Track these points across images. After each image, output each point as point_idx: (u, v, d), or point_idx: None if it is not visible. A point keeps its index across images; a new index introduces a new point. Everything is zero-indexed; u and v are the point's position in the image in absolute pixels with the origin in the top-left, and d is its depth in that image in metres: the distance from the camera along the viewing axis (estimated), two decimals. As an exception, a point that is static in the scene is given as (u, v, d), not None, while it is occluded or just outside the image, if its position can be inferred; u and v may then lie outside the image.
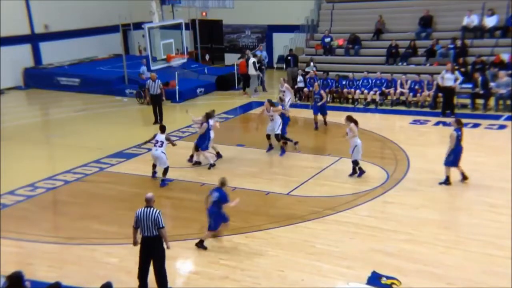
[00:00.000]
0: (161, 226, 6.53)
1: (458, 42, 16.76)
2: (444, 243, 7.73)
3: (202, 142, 11.35)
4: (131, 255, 7.80)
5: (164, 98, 15.49)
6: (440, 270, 7.05)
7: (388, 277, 6.89)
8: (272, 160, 11.83)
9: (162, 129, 10.71)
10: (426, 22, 18.08)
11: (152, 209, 6.58)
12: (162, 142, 10.42)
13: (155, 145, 10.50)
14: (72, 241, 8.36)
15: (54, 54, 21.85)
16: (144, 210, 6.57)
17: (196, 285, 7.04)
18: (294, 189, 10.03)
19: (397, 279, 6.84)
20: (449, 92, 14.51)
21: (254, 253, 7.73)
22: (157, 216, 6.50)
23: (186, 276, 7.47)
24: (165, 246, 6.63)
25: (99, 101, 18.34)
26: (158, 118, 15.00)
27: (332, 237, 8.14)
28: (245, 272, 7.20)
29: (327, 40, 19.12)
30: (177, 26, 19.04)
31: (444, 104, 14.68)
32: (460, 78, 14.63)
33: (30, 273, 6.80)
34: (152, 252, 6.62)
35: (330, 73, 17.32)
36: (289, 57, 18.90)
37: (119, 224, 8.86)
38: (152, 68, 17.64)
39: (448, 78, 14.44)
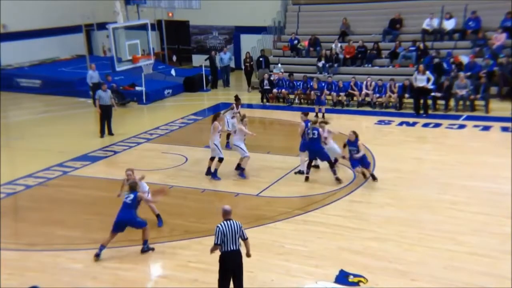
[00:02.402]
0: (245, 237, 6.25)
1: (420, 45, 17.31)
2: (408, 240, 7.95)
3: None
4: (96, 260, 7.63)
5: (115, 108, 14.01)
6: (404, 267, 7.24)
7: (355, 275, 7.02)
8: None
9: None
10: (395, 25, 18.54)
11: (235, 221, 6.21)
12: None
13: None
14: (34, 247, 8.08)
15: (13, 54, 21.06)
16: (227, 224, 6.15)
17: (165, 289, 6.95)
18: (263, 190, 10.07)
19: (363, 277, 6.98)
20: (422, 93, 14.97)
21: (223, 255, 7.70)
22: (241, 228, 6.18)
23: (155, 280, 7.36)
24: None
25: (61, 103, 17.83)
26: (107, 130, 13.79)
27: (301, 237, 8.22)
28: (215, 274, 7.15)
29: (295, 42, 19.33)
30: (142, 27, 18.74)
31: (417, 105, 15.11)
32: (432, 78, 15.11)
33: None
34: (234, 266, 6.18)
35: (296, 74, 17.54)
36: (260, 58, 19.01)
37: (84, 229, 8.64)
38: (117, 69, 17.29)
39: (420, 79, 14.92)
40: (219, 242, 6.10)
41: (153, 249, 7.81)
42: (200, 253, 7.74)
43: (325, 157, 10.31)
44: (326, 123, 10.80)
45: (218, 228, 6.14)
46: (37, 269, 7.45)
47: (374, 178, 10.20)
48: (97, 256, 7.60)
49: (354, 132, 10.21)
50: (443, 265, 7.25)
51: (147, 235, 7.76)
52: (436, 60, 16.28)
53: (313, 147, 10.26)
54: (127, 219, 7.63)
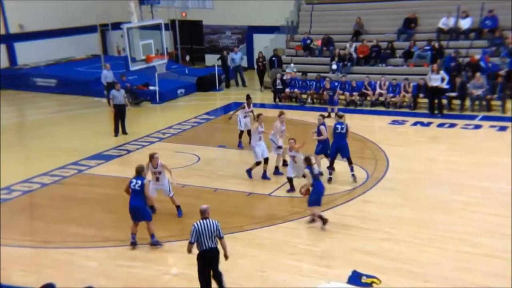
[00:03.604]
0: (221, 236, 6.33)
1: (435, 44, 17.11)
2: (421, 241, 7.88)
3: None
4: (110, 258, 7.73)
5: (129, 107, 14.06)
6: (418, 268, 7.18)
7: (368, 276, 6.99)
8: (253, 160, 11.84)
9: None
10: (410, 24, 18.34)
11: (211, 220, 6.31)
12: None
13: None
14: (49, 245, 8.21)
15: (30, 54, 21.40)
16: (203, 222, 6.26)
17: (177, 287, 6.98)
18: (275, 190, 10.06)
19: (377, 278, 6.94)
20: (436, 92, 14.81)
21: (236, 254, 7.70)
22: (218, 227, 6.28)
23: (166, 279, 7.42)
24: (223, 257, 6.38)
25: (77, 102, 18.06)
26: (121, 129, 13.92)
27: (313, 237, 8.20)
28: (226, 273, 7.17)
29: (308, 41, 19.28)
30: (156, 27, 18.89)
31: (431, 105, 14.95)
32: (447, 78, 14.93)
33: (5, 277, 6.66)
34: (211, 263, 6.36)
35: (309, 74, 17.49)
36: (273, 58, 19.00)
37: (98, 227, 8.74)
38: (132, 68, 17.45)
39: (435, 79, 14.74)
40: (193, 241, 6.23)
41: (161, 244, 7.87)
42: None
43: (347, 153, 10.21)
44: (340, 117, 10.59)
45: (193, 227, 6.26)
46: (52, 266, 7.56)
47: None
48: (133, 245, 7.78)
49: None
50: (456, 267, 7.18)
51: (152, 229, 7.83)
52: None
53: (340, 142, 10.12)
54: (136, 206, 7.70)
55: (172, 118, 15.60)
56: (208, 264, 6.36)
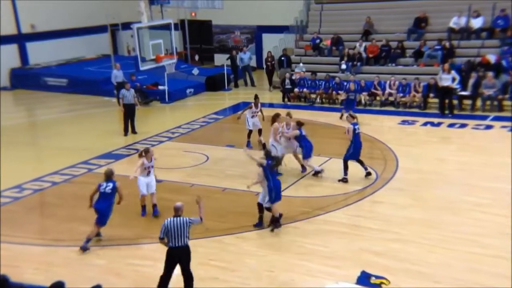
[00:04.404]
0: (195, 222, 6.47)
1: (446, 44, 16.96)
2: (431, 242, 7.83)
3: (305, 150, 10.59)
4: (120, 256, 7.79)
5: (138, 107, 14.18)
6: (427, 269, 7.13)
7: (377, 277, 6.96)
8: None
9: None
10: (420, 23, 18.20)
11: (181, 218, 6.43)
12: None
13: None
14: (60, 243, 8.29)
15: (41, 54, 21.59)
16: (173, 220, 6.40)
17: (186, 286, 7.02)
18: (283, 190, 10.00)
19: (386, 278, 6.91)
20: (447, 92, 14.67)
21: (244, 254, 7.75)
22: (187, 224, 6.39)
23: (175, 278, 7.44)
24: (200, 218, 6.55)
25: (87, 102, 18.20)
26: (130, 129, 14.04)
27: (322, 237, 8.18)
28: (235, 272, 7.21)
29: (317, 41, 19.23)
30: (166, 26, 18.95)
31: (442, 105, 14.81)
32: (458, 78, 14.79)
33: (17, 275, 6.74)
34: (179, 261, 6.48)
35: (319, 74, 17.44)
36: (282, 58, 18.98)
37: (108, 225, 8.78)
38: (141, 68, 17.53)
39: (445, 78, 14.62)
40: (162, 236, 6.44)
41: (88, 248, 7.86)
42: (221, 251, 7.81)
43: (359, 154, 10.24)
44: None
45: (163, 223, 6.42)
46: (62, 265, 7.64)
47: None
48: (83, 249, 7.84)
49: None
50: (465, 268, 7.13)
51: (93, 233, 7.98)
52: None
53: (360, 144, 10.17)
54: (101, 209, 7.93)
55: (181, 118, 15.66)
56: (174, 262, 6.45)
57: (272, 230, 8.32)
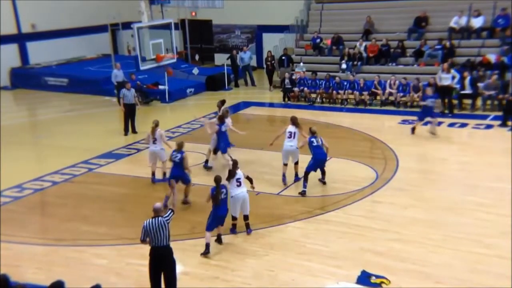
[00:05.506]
0: (170, 215, 6.47)
1: (447, 43, 16.95)
2: (432, 242, 7.81)
3: (222, 145, 10.79)
4: (120, 256, 7.78)
5: (139, 107, 14.10)
6: (429, 269, 7.12)
7: (377, 276, 6.95)
8: (262, 160, 11.83)
9: None
10: (420, 23, 18.17)
11: (160, 219, 6.36)
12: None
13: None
14: (60, 243, 8.28)
15: (42, 53, 21.58)
16: (152, 221, 6.33)
17: (187, 285, 7.01)
18: (284, 189, 10.05)
19: (386, 278, 6.90)
20: (447, 92, 14.65)
21: (245, 253, 7.74)
22: (166, 224, 6.32)
23: (176, 278, 7.43)
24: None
25: (87, 102, 18.19)
26: (131, 128, 13.99)
27: (322, 236, 8.17)
28: (235, 272, 7.20)
29: (318, 40, 19.22)
30: (166, 26, 18.97)
31: (442, 104, 14.77)
32: (458, 76, 14.76)
33: (17, 275, 6.73)
34: (163, 263, 6.38)
35: (319, 73, 17.43)
36: (283, 57, 18.96)
37: (108, 225, 8.80)
38: (142, 68, 17.53)
39: (445, 78, 14.59)
40: (142, 238, 6.43)
41: (190, 203, 9.12)
42: (221, 251, 7.80)
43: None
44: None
45: (143, 225, 6.41)
46: (63, 264, 7.63)
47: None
48: (164, 207, 7.81)
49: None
50: (469, 268, 7.11)
51: (189, 190, 9.36)
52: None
53: (321, 156, 9.84)
54: (179, 175, 9.13)
55: (181, 117, 15.65)
56: (159, 263, 6.36)
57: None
